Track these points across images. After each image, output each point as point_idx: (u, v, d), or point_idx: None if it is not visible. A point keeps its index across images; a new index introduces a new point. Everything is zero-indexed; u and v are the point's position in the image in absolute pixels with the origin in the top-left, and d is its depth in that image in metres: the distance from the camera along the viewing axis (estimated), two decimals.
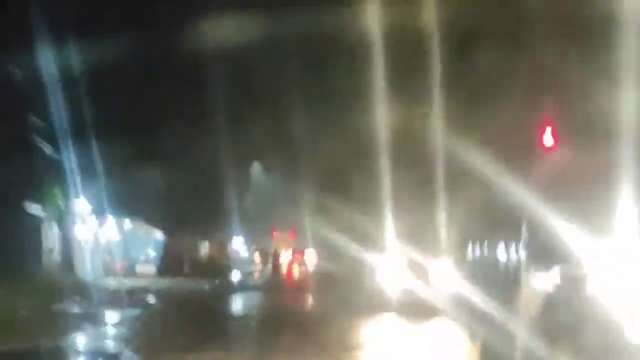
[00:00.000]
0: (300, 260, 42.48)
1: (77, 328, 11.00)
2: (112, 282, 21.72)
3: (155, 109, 23.30)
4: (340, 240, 19.59)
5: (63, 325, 11.13)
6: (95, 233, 23.10)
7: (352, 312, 13.56)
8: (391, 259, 15.86)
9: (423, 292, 14.04)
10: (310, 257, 41.10)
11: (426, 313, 13.25)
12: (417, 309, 13.62)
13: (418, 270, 14.97)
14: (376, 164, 16.75)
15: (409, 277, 14.92)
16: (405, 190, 16.41)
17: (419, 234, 15.62)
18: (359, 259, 18.53)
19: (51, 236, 19.54)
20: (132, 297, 16.33)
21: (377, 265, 16.52)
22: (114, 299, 15.50)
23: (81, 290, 16.82)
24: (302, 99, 23.19)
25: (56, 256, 19.39)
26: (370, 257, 17.40)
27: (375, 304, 14.88)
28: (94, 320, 12.06)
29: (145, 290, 19.21)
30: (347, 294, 16.58)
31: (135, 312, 13.82)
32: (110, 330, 11.29)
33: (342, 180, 22.12)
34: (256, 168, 50.18)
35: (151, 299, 16.64)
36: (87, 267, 20.55)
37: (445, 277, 14.84)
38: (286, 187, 38.41)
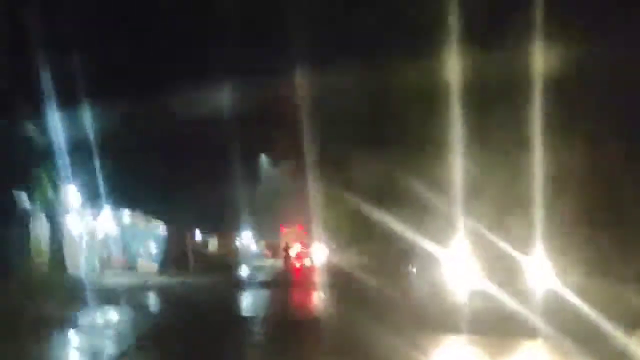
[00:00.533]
0: (312, 254, 40.67)
1: (32, 337, 8.94)
2: (108, 279, 20.09)
3: (160, 83, 21.34)
4: (372, 227, 15.83)
5: (17, 332, 9.12)
6: (90, 225, 21.33)
7: (389, 323, 9.66)
8: (457, 250, 10.90)
9: (508, 298, 9.43)
10: (323, 251, 39.27)
11: (512, 332, 8.79)
12: (497, 325, 9.14)
13: (503, 266, 10.09)
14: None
15: (486, 275, 10.13)
16: (487, 152, 12.15)
17: (507, 214, 10.72)
18: (400, 249, 14.97)
19: (39, 228, 17.77)
20: (125, 296, 14.58)
21: (429, 257, 11.74)
22: (104, 298, 13.73)
23: (68, 287, 15.12)
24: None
25: (44, 250, 17.62)
26: (421, 246, 12.24)
27: (427, 313, 10.60)
28: (65, 324, 10.14)
29: (143, 288, 17.49)
30: (381, 295, 13.25)
31: (123, 313, 11.98)
32: (75, 341, 9.21)
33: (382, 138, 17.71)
34: (264, 160, 48.60)
35: (147, 298, 14.89)
36: (79, 263, 18.80)
37: (547, 278, 9.73)
38: (297, 175, 36.44)
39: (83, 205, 20.00)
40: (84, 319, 11.31)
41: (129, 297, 14.81)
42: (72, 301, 13.71)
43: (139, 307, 13.33)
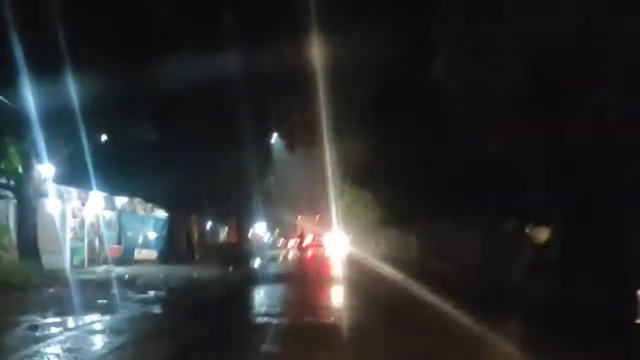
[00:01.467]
0: (329, 245, 37.87)
1: None
2: (95, 271, 17.37)
3: (161, 50, 18.33)
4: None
5: None
6: (76, 210, 18.52)
7: None
8: None
9: None
10: (344, 242, 36.42)
11: None
12: None
13: None
14: None
15: None
16: None
17: None
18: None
19: (7, 212, 15.03)
20: (107, 294, 11.72)
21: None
22: (80, 297, 10.93)
23: (35, 282, 12.28)
24: None
25: (12, 237, 14.82)
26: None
27: None
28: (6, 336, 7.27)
29: (134, 283, 14.61)
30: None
31: (96, 319, 9.02)
32: None
33: None
34: (279, 144, 45.77)
35: (135, 295, 11.99)
36: (59, 253, 15.99)
37: None
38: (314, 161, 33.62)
39: (67, 185, 17.18)
40: (37, 327, 8.43)
41: (111, 294, 11.94)
42: (35, 301, 10.97)
43: (121, 308, 10.36)
